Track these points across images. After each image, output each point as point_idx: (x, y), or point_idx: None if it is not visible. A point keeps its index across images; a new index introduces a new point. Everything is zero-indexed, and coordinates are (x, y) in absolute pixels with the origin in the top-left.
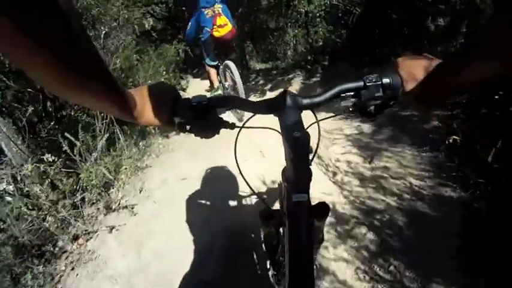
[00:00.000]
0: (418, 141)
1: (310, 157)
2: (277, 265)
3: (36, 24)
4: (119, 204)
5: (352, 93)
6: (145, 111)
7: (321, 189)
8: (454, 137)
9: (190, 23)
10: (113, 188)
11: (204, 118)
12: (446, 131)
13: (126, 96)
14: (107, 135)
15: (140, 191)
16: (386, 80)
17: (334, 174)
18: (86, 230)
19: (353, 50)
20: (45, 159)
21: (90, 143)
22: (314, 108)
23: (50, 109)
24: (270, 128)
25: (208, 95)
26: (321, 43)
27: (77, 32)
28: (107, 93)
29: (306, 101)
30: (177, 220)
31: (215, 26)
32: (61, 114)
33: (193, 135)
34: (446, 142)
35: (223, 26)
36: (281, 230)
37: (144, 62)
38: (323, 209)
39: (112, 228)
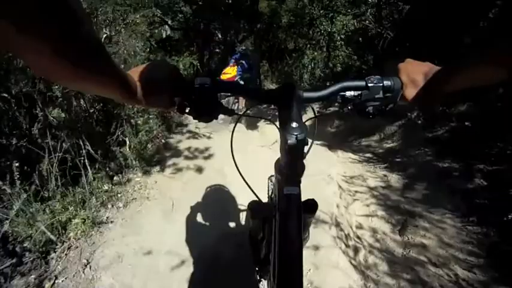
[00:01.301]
0: (461, 207)
1: (306, 150)
2: (261, 261)
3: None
4: (54, 284)
5: (352, 92)
6: (147, 92)
7: (339, 279)
8: None
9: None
10: (54, 253)
11: (205, 100)
12: (496, 195)
13: (128, 79)
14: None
15: (84, 268)
16: (387, 83)
17: (356, 250)
18: None
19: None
20: None
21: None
22: (314, 102)
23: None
24: (266, 119)
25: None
26: (339, 68)
27: (75, 15)
28: (109, 77)
29: (307, 95)
30: None
31: (224, 71)
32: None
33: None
34: (504, 219)
35: (226, 73)
36: (268, 224)
37: None
38: (311, 205)
39: None
